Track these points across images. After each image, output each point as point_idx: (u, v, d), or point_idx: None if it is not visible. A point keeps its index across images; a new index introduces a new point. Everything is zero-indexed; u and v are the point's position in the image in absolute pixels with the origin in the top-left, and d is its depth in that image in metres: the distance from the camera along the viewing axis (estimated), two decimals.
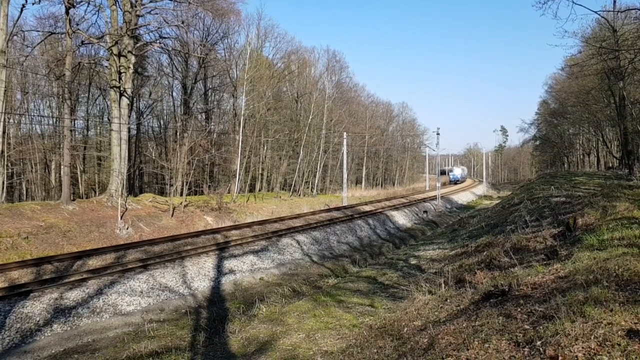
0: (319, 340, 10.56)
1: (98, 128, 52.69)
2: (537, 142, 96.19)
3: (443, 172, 76.93)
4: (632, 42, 28.51)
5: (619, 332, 5.29)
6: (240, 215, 34.51)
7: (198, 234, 23.80)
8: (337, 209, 36.93)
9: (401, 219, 36.83)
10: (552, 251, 11.45)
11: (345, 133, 49.99)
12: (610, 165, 58.41)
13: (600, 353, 4.96)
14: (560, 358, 5.11)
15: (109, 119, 38.59)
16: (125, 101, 31.49)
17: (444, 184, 78.18)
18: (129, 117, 34.30)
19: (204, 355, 10.18)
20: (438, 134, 52.37)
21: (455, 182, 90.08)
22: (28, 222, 22.79)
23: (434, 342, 7.55)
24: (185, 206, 31.74)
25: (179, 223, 29.10)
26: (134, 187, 45.65)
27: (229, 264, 18.73)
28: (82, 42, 33.81)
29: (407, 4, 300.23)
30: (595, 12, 26.95)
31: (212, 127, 50.64)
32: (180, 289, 15.72)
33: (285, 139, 58.61)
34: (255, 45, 56.11)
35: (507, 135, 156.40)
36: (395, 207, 40.75)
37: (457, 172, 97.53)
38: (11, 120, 40.76)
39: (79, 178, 44.99)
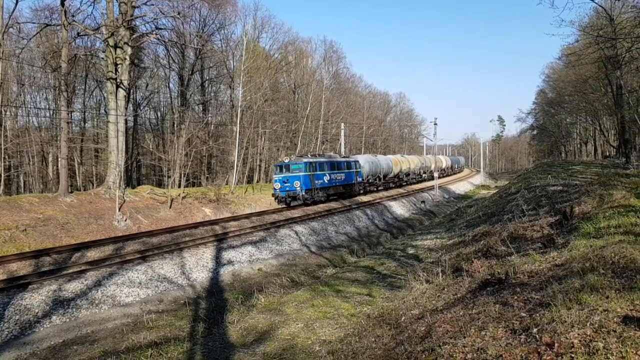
0: (317, 330, 10.60)
1: (95, 120, 52.47)
2: (535, 132, 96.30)
3: (283, 169, 32.06)
4: (629, 30, 28.38)
5: (615, 319, 5.33)
6: (239, 206, 34.50)
7: (196, 225, 23.84)
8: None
9: (399, 209, 36.89)
10: (549, 239, 11.48)
11: (342, 124, 49.98)
12: (608, 154, 58.49)
13: (596, 339, 5.00)
14: (556, 345, 5.14)
15: (105, 111, 38.38)
16: (122, 93, 31.34)
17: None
18: (126, 108, 34.12)
19: (203, 345, 10.22)
20: (435, 124, 52.40)
21: (293, 196, 31.47)
22: (26, 214, 22.76)
23: (431, 330, 7.60)
24: (183, 198, 31.72)
25: (177, 215, 29.09)
26: (131, 179, 45.56)
27: (227, 254, 18.78)
28: (78, 33, 33.56)
29: None
30: (593, 0, 26.76)
31: (209, 118, 50.52)
32: (179, 280, 15.76)
33: (283, 130, 58.46)
34: (252, 36, 55.82)
35: (505, 125, 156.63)
36: (393, 198, 40.81)
37: (299, 172, 31.30)
38: (8, 113, 40.57)
39: (77, 170, 44.91)
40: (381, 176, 46.25)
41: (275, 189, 32.15)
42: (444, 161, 76.48)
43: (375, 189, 44.96)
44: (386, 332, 8.98)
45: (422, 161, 62.36)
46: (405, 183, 53.51)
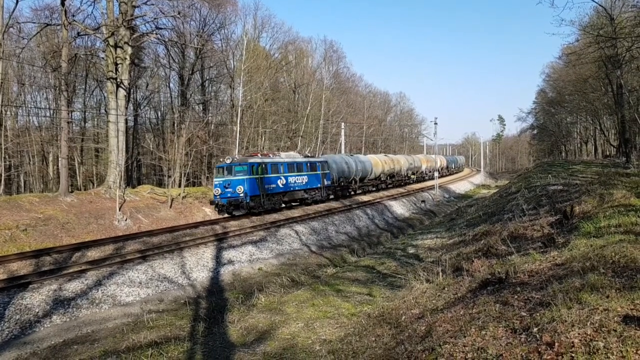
0: (317, 329, 10.61)
1: (95, 120, 52.47)
2: (535, 131, 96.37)
3: (225, 171, 27.18)
4: (629, 30, 28.37)
5: (615, 318, 5.33)
6: None
7: (197, 225, 23.85)
8: (336, 199, 36.93)
9: (399, 208, 36.88)
10: (549, 239, 11.48)
11: (343, 123, 49.91)
12: (608, 153, 58.44)
13: (597, 339, 5.00)
14: (556, 344, 5.14)
15: (106, 111, 38.36)
16: (122, 92, 31.33)
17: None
18: (126, 108, 34.12)
19: (203, 344, 10.23)
20: (435, 123, 52.45)
21: (236, 204, 26.34)
22: (26, 214, 22.76)
23: (431, 330, 7.60)
24: (183, 197, 31.70)
25: (177, 214, 29.08)
26: (132, 179, 45.56)
27: (227, 254, 18.78)
28: (78, 33, 33.54)
29: None
30: None
31: (209, 118, 50.47)
32: (179, 279, 15.76)
33: (283, 129, 58.45)
34: (252, 36, 55.81)
35: (505, 125, 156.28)
36: (393, 197, 40.81)
37: (243, 175, 26.44)
38: (8, 113, 40.59)
39: (77, 170, 44.90)
40: (357, 179, 40.26)
41: (215, 195, 26.79)
42: (439, 161, 69.66)
43: (349, 194, 39.79)
44: (386, 331, 8.98)
45: (411, 161, 55.54)
46: (390, 185, 48.29)
